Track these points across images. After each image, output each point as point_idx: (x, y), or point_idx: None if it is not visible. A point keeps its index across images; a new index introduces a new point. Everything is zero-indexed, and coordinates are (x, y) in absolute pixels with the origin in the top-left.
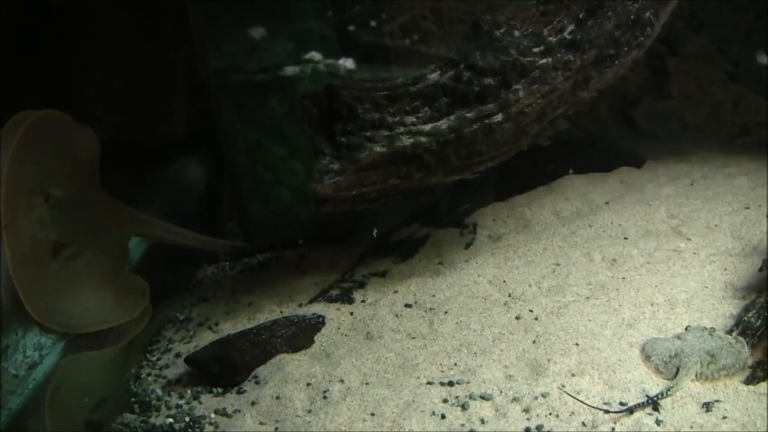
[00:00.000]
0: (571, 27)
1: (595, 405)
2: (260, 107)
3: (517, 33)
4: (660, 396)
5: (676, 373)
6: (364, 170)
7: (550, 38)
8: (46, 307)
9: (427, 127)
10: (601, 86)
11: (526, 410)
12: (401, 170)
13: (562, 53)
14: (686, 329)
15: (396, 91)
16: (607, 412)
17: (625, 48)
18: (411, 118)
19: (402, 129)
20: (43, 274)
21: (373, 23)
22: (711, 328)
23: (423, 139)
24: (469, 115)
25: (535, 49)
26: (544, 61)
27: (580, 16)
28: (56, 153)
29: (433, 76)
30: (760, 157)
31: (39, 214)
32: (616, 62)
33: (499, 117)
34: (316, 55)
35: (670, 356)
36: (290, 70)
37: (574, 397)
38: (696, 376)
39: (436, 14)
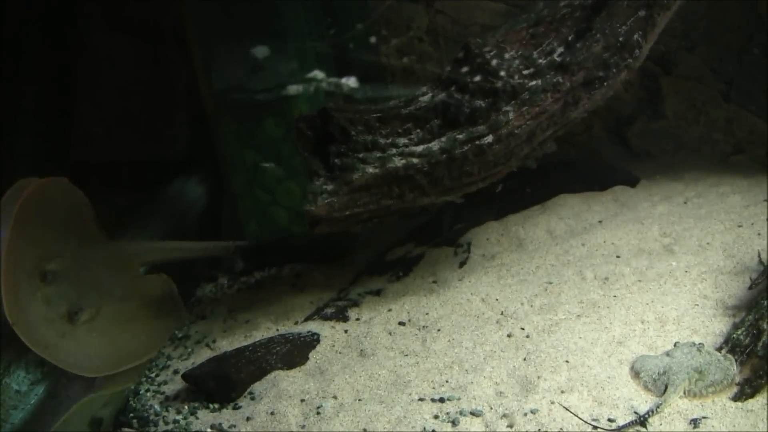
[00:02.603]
0: (560, 49)
1: (587, 420)
2: (257, 129)
3: (507, 55)
4: (649, 414)
5: (665, 390)
6: (357, 191)
7: (540, 60)
8: (92, 366)
9: (419, 148)
10: (591, 107)
11: (516, 426)
12: (394, 191)
13: (552, 75)
14: (675, 345)
15: (388, 113)
16: (596, 428)
17: (614, 70)
18: (403, 140)
19: (394, 150)
20: (71, 343)
21: (371, 42)
22: (699, 344)
23: (415, 160)
24: (460, 136)
25: (525, 71)
26: (533, 83)
27: (570, 38)
28: (52, 224)
29: (425, 98)
30: (754, 175)
31: (43, 295)
32: (606, 84)
33: (489, 138)
34: (318, 74)
35: (658, 373)
36: (291, 89)
37: (569, 411)
38: (684, 392)
39: (432, 36)
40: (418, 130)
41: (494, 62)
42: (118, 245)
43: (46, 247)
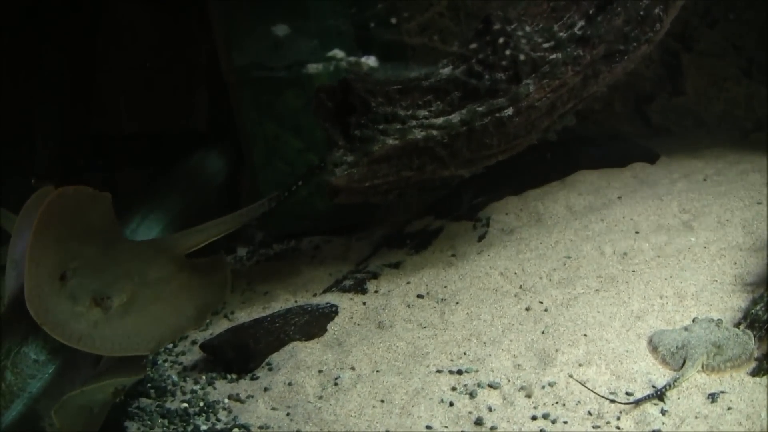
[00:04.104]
0: (581, 23)
1: (602, 394)
2: (278, 101)
3: (528, 28)
4: (666, 387)
5: (683, 364)
6: (376, 162)
7: (561, 34)
8: (134, 345)
9: (439, 120)
10: (611, 81)
11: (533, 399)
12: (413, 163)
13: (572, 48)
14: (693, 321)
15: (409, 85)
16: (613, 401)
17: (635, 43)
18: (423, 112)
19: (414, 122)
20: (106, 329)
21: (393, 21)
22: (718, 319)
23: (435, 132)
24: (480, 108)
25: (546, 45)
26: (554, 56)
27: (590, 12)
28: (72, 228)
29: (446, 71)
30: None
31: (66, 292)
32: (626, 57)
33: (509, 111)
34: (339, 53)
35: (677, 347)
36: (312, 67)
37: (583, 385)
38: (702, 367)
39: (453, 11)
40: (439, 102)
41: (515, 35)
42: (156, 241)
43: (67, 249)
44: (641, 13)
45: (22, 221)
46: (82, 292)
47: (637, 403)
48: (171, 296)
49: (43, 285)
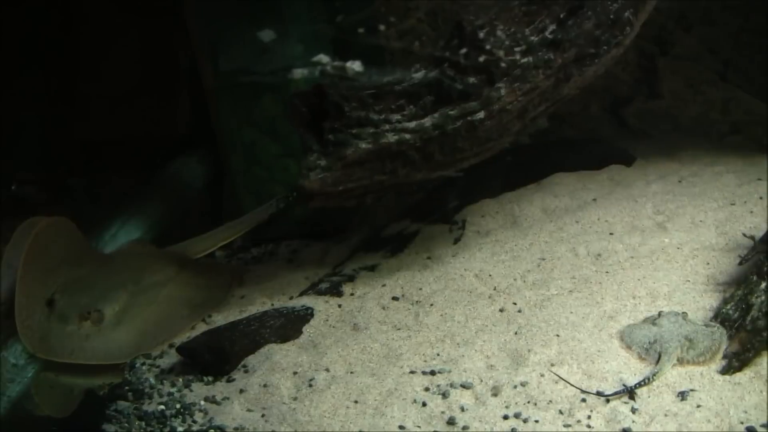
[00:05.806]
0: (552, 27)
1: (576, 385)
2: (255, 107)
3: (499, 33)
4: (646, 381)
5: (659, 358)
6: (350, 166)
7: (532, 38)
8: (127, 351)
9: (412, 124)
10: (582, 84)
11: (505, 398)
12: (387, 166)
13: (543, 52)
14: (659, 315)
15: (382, 89)
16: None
17: (605, 47)
18: (396, 116)
19: (387, 126)
20: (97, 340)
21: (381, 27)
22: (683, 312)
23: (407, 136)
24: (452, 112)
25: (517, 49)
26: (525, 60)
27: (561, 16)
28: (60, 255)
29: (418, 75)
30: (749, 155)
31: (55, 316)
32: (597, 61)
33: (481, 114)
34: (323, 58)
35: (650, 342)
36: (289, 72)
37: (561, 378)
38: (678, 360)
39: (432, 17)
40: (411, 107)
41: (487, 39)
42: (160, 251)
43: (56, 277)
44: (611, 16)
45: (10, 252)
46: (70, 311)
47: (609, 396)
48: (166, 299)
49: (34, 315)
